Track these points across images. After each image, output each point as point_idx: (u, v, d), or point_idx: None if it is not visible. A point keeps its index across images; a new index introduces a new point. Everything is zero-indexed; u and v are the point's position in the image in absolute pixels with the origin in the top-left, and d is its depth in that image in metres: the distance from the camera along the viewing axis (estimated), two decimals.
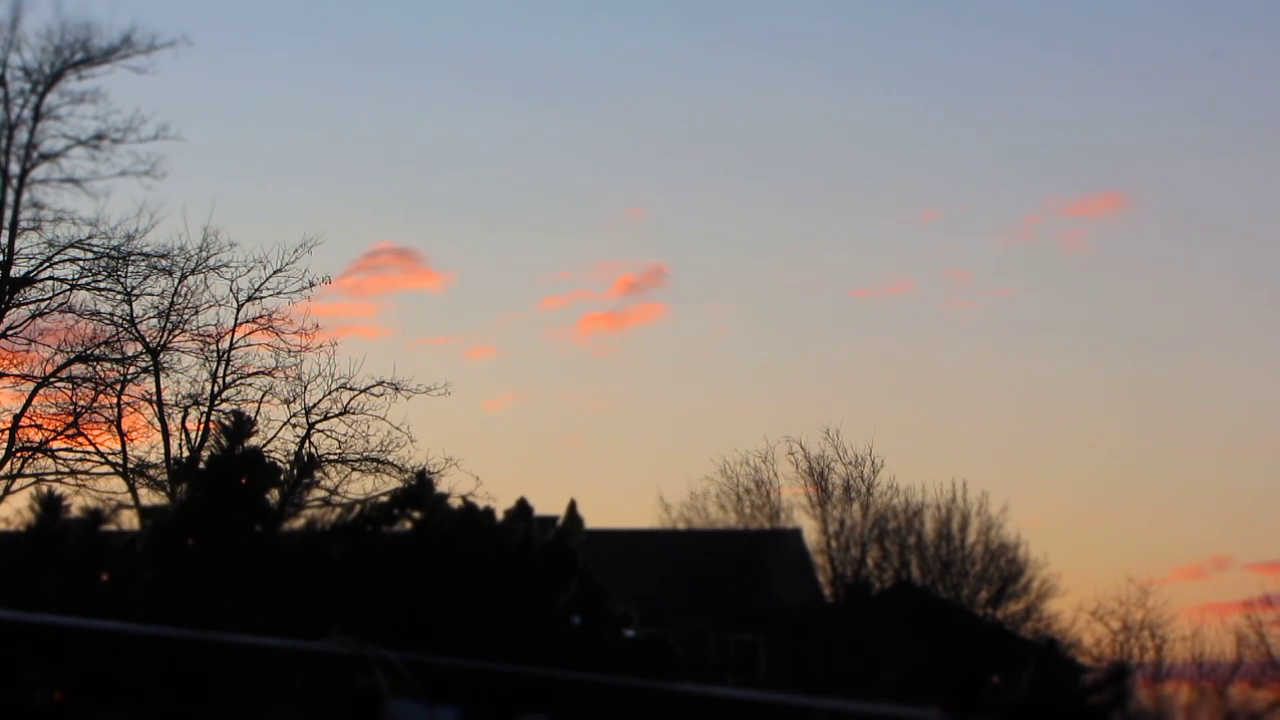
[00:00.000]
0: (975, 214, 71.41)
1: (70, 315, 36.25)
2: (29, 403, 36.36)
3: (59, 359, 36.41)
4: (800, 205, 71.84)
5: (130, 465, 37.04)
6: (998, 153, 72.53)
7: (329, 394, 38.05)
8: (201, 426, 37.23)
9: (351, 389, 38.07)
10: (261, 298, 38.06)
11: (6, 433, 36.13)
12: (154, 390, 37.52)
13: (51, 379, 36.45)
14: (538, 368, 68.60)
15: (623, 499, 68.83)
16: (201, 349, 37.85)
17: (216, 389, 37.75)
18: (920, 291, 70.47)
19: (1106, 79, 73.27)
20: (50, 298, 36.03)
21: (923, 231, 70.24)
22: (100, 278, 36.32)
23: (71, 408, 36.75)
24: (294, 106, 69.38)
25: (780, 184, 72.02)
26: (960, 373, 67.26)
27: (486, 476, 36.91)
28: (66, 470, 36.52)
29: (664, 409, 66.76)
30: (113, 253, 35.99)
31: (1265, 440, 69.61)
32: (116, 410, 37.18)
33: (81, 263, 36.02)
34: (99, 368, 37.11)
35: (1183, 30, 72.87)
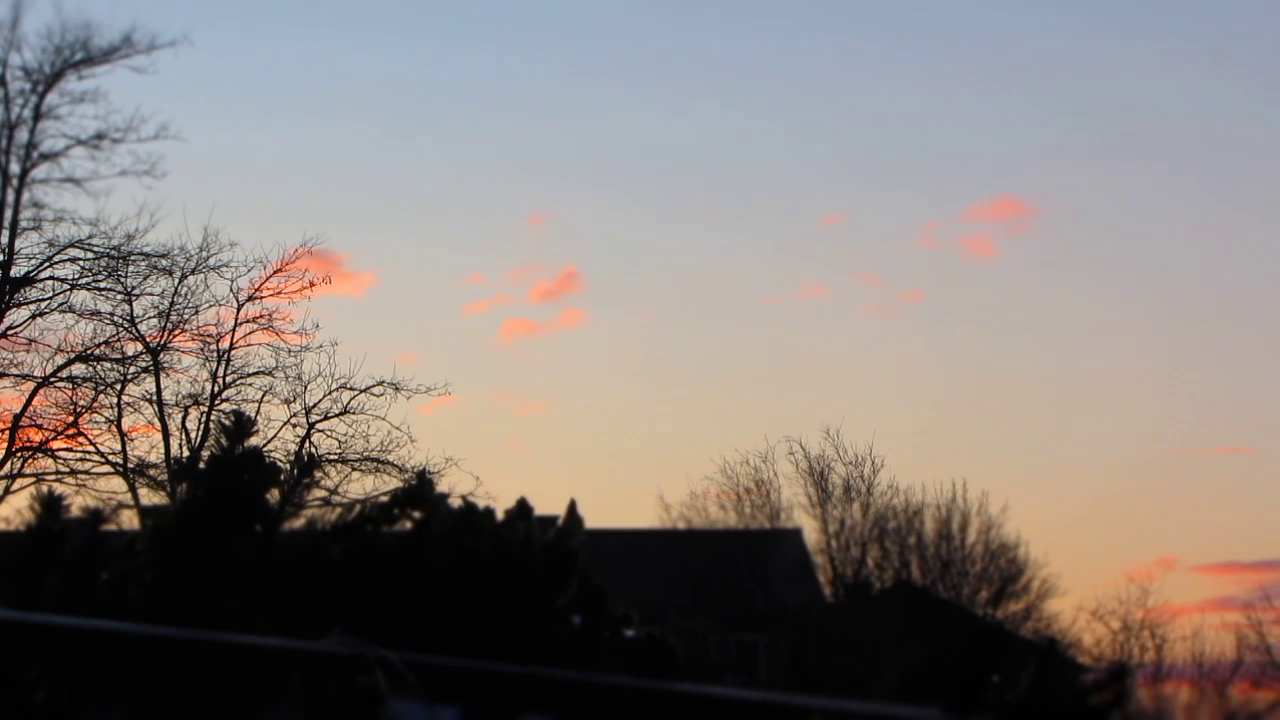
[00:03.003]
0: (874, 219, 71.63)
1: (70, 315, 36.26)
2: (29, 403, 36.35)
3: (59, 359, 36.43)
4: (701, 212, 72.15)
5: (130, 465, 37.02)
6: (886, 158, 72.85)
7: (329, 394, 38.07)
8: (201, 426, 37.22)
9: (351, 389, 38.09)
10: (261, 298, 38.10)
11: (6, 433, 36.12)
12: (154, 390, 37.52)
13: (51, 379, 36.43)
14: (466, 373, 68.84)
15: (623, 499, 69.00)
16: (201, 349, 37.87)
17: (216, 389, 37.75)
18: (833, 296, 70.64)
19: (990, 84, 73.54)
20: (50, 297, 36.02)
21: (825, 236, 70.54)
22: (100, 278, 36.30)
23: (71, 408, 36.74)
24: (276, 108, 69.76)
25: (678, 191, 72.42)
26: (892, 376, 67.34)
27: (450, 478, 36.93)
28: (66, 470, 36.50)
29: (602, 410, 67.08)
30: (113, 253, 35.99)
31: (1210, 439, 69.95)
32: (116, 410, 37.18)
33: (81, 262, 36.01)
34: (99, 368, 37.09)
35: (1070, 35, 73.13)
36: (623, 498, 60.10)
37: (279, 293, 38.03)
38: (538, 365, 68.15)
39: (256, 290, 37.96)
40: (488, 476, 37.71)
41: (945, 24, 73.43)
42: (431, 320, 64.62)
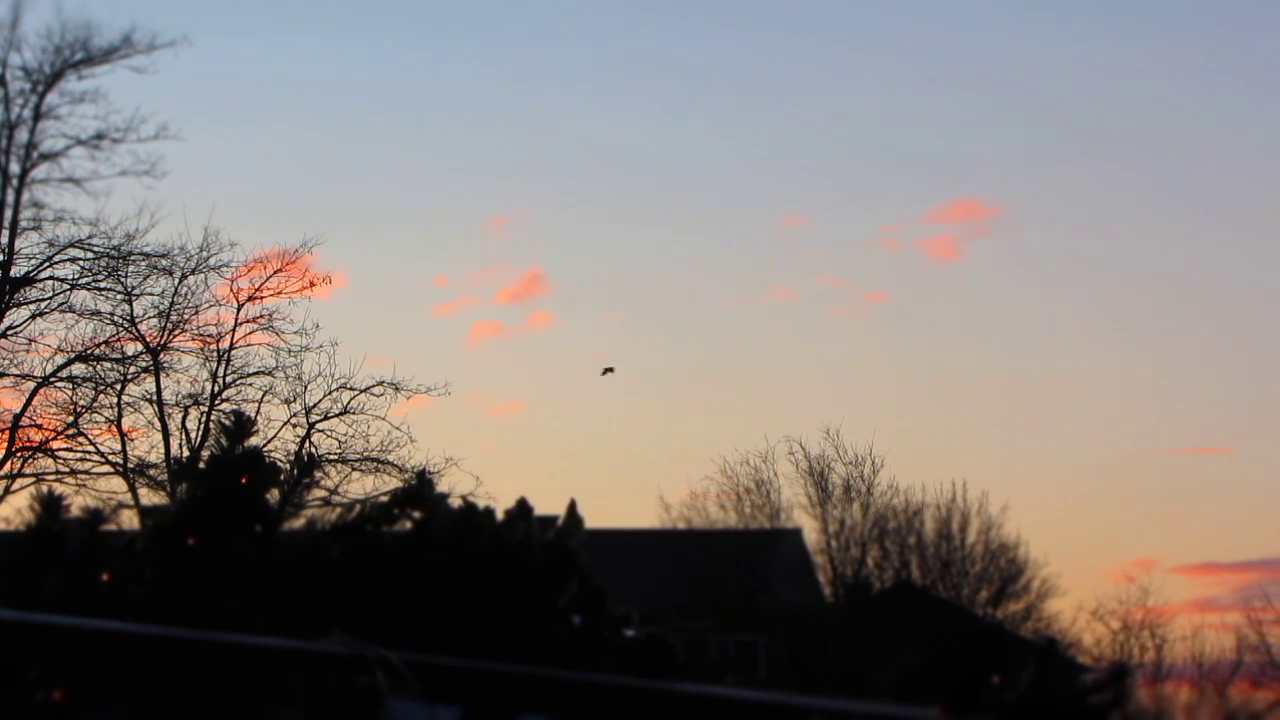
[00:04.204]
0: (834, 222, 71.55)
1: (70, 315, 36.28)
2: (29, 403, 36.35)
3: (59, 359, 36.43)
4: (660, 214, 72.10)
5: (130, 465, 37.03)
6: (842, 161, 72.66)
7: (329, 394, 38.11)
8: (201, 426, 37.24)
9: (351, 389, 38.12)
10: (262, 298, 38.13)
11: (6, 433, 36.12)
12: (154, 390, 37.54)
13: (51, 379, 36.45)
14: (438, 375, 68.91)
15: (622, 499, 69.08)
16: (201, 349, 37.90)
17: (216, 389, 37.78)
18: (801, 298, 70.63)
19: (944, 86, 73.37)
20: (50, 297, 36.05)
21: (788, 238, 70.51)
22: (100, 278, 36.33)
23: (71, 408, 36.76)
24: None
25: (637, 194, 72.46)
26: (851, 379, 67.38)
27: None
28: (66, 470, 36.51)
29: (575, 411, 67.25)
30: (113, 252, 36.01)
31: (1182, 440, 69.99)
32: (116, 410, 37.19)
33: (81, 262, 36.04)
34: (99, 368, 37.12)
35: (1026, 36, 72.92)
36: (601, 496, 60.20)
37: (279, 293, 38.11)
38: (508, 367, 68.26)
39: (257, 291, 38.01)
40: (462, 477, 37.77)
41: (899, 26, 73.42)
42: (401, 323, 64.61)
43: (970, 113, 73.59)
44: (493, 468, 62.72)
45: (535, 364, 68.34)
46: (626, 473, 64.24)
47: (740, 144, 73.42)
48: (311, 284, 37.93)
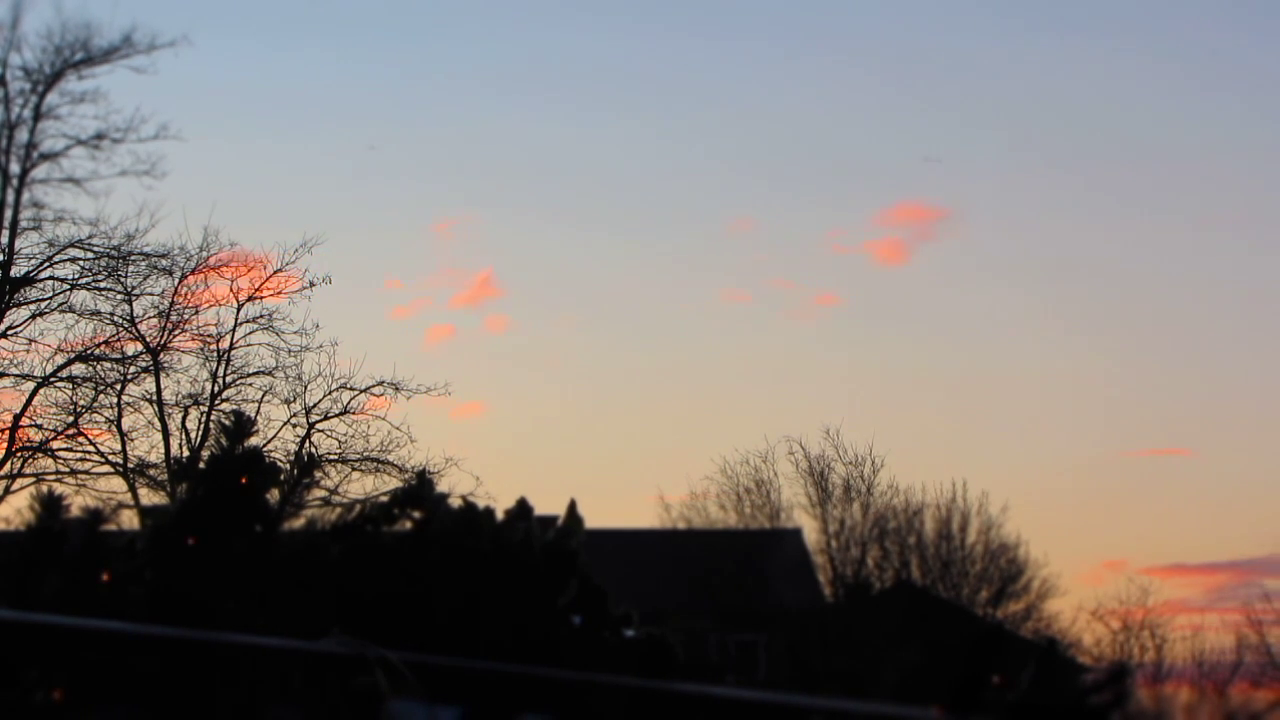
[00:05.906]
0: (781, 226, 71.33)
1: (70, 315, 36.26)
2: (29, 403, 36.34)
3: (59, 359, 36.42)
4: (608, 218, 71.78)
5: (130, 465, 37.01)
6: (788, 164, 72.35)
7: (329, 394, 38.10)
8: (201, 426, 37.23)
9: (352, 389, 38.12)
10: (261, 298, 38.14)
11: (6, 433, 36.10)
12: (154, 390, 37.52)
13: (51, 379, 36.43)
14: (399, 377, 69.16)
15: (623, 499, 69.01)
16: (201, 349, 37.89)
17: (216, 389, 37.76)
18: (755, 301, 70.44)
19: (890, 87, 73.01)
20: (50, 297, 36.01)
21: (736, 242, 70.39)
22: (100, 278, 36.29)
23: (71, 408, 36.73)
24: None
25: (583, 198, 72.11)
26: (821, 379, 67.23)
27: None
28: (66, 470, 36.48)
29: (539, 412, 67.25)
30: (113, 253, 35.98)
31: (1143, 441, 69.89)
32: (116, 410, 37.17)
33: (81, 262, 36.00)
34: (99, 368, 37.09)
35: (955, 35, 72.66)
36: (598, 494, 60.14)
37: (279, 292, 38.13)
38: (467, 369, 68.08)
39: (257, 290, 38.03)
40: (462, 477, 37.72)
41: (845, 28, 73.06)
42: (358, 326, 64.35)
43: (915, 116, 73.35)
44: (469, 468, 62.74)
45: (493, 366, 68.18)
46: (622, 473, 64.26)
47: (687, 147, 73.28)
48: (311, 284, 37.95)
